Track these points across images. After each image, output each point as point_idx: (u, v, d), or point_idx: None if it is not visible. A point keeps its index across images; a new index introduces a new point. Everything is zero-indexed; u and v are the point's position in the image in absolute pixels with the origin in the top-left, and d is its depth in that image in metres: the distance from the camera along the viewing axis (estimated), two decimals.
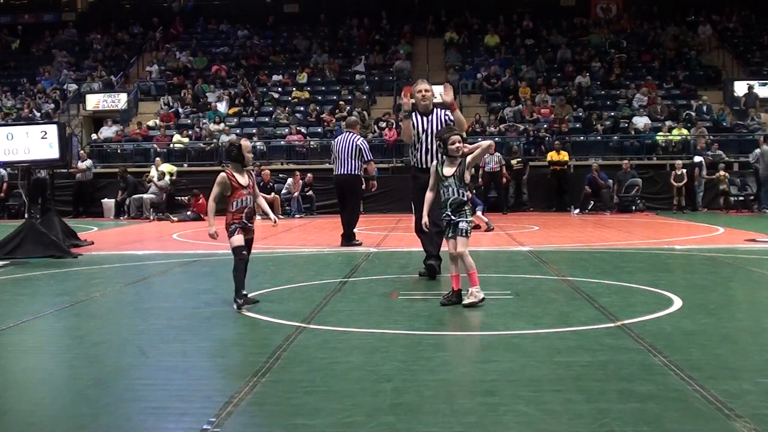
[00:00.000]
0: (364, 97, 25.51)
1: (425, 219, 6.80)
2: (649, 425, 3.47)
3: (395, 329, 5.57)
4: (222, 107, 25.48)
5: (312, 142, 23.50)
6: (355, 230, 12.11)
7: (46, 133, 11.41)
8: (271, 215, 6.87)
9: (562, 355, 4.75)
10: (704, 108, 23.97)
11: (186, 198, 20.52)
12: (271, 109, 25.48)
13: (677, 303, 6.44)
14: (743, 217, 18.12)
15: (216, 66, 28.07)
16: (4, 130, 11.78)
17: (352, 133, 11.87)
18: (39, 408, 3.95)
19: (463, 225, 6.40)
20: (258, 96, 26.25)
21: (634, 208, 20.16)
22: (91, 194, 21.71)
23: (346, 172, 11.72)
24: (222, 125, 23.79)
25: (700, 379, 4.10)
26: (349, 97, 25.49)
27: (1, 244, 10.92)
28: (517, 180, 21.10)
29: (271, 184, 20.08)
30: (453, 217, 6.43)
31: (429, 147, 8.16)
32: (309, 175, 20.84)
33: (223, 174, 6.47)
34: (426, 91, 8.24)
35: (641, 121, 23.20)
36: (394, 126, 22.60)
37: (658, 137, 22.65)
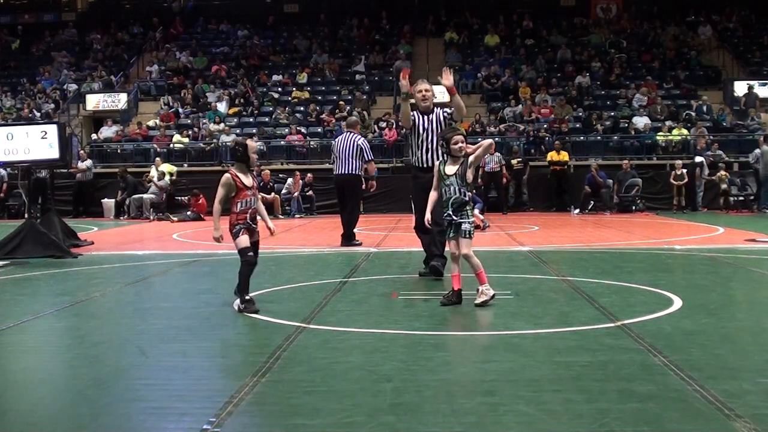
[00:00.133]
0: (364, 97, 25.52)
1: (428, 217, 6.80)
2: (649, 425, 3.47)
3: (395, 329, 5.57)
4: (222, 107, 25.48)
5: (312, 142, 23.50)
6: (355, 230, 12.12)
7: (46, 133, 11.40)
8: (269, 224, 6.62)
9: (562, 355, 4.75)
10: (704, 108, 23.97)
11: (186, 198, 20.52)
12: (271, 109, 25.48)
13: (677, 303, 6.44)
14: (743, 217, 18.12)
15: (216, 66, 28.07)
16: (4, 130, 11.78)
17: (352, 133, 11.88)
18: (39, 408, 3.95)
19: (465, 226, 6.41)
20: (258, 96, 26.25)
21: (634, 208, 20.15)
22: (91, 194, 21.71)
23: (346, 172, 11.72)
24: (222, 125, 23.80)
25: (700, 379, 4.10)
26: (349, 97, 25.49)
27: (1, 244, 10.92)
28: (517, 180, 21.11)
29: (271, 184, 20.08)
30: (454, 217, 6.44)
31: (429, 146, 8.17)
32: (309, 175, 20.84)
33: (227, 175, 6.40)
34: (426, 90, 8.24)
35: (641, 121, 23.20)
36: (394, 126, 22.61)
37: (658, 137, 22.65)
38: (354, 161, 11.67)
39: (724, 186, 19.91)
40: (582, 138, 22.94)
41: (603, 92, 25.84)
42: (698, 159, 20.31)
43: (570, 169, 21.36)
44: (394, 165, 22.27)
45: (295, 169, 21.27)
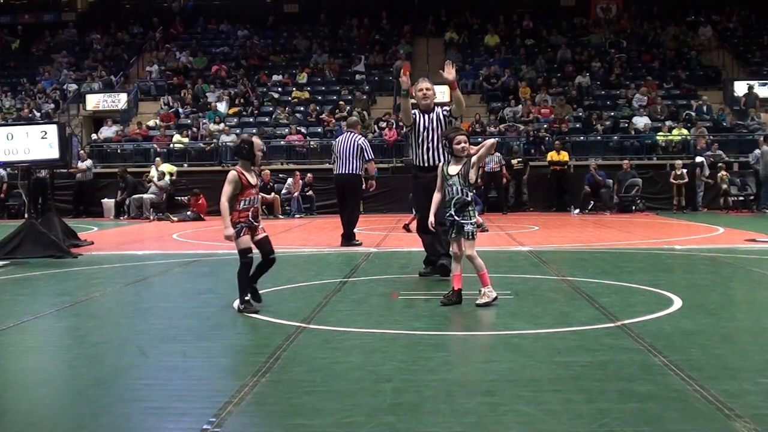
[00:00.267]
0: (364, 97, 25.51)
1: (431, 219, 6.81)
2: (649, 425, 3.47)
3: (395, 329, 5.57)
4: (222, 107, 25.48)
5: (312, 142, 23.49)
6: (355, 230, 12.12)
7: (46, 133, 11.40)
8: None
9: (562, 355, 4.75)
10: (704, 108, 23.96)
11: (186, 198, 20.52)
12: (271, 109, 25.48)
13: (677, 303, 6.44)
14: (743, 217, 18.12)
15: (216, 66, 28.07)
16: (4, 130, 11.78)
17: (353, 133, 11.89)
18: (39, 408, 3.95)
19: (468, 228, 6.42)
20: (258, 96, 26.25)
21: (634, 208, 20.15)
22: (91, 194, 21.70)
23: (346, 172, 11.72)
24: (222, 125, 23.80)
25: (700, 379, 4.10)
26: (349, 97, 25.48)
27: (1, 244, 10.92)
28: (517, 180, 21.10)
29: (271, 184, 20.07)
30: (456, 218, 6.44)
31: (430, 145, 8.16)
32: (309, 175, 20.84)
33: (233, 172, 6.38)
34: (427, 89, 8.20)
35: (641, 121, 23.20)
36: (394, 126, 22.60)
37: (658, 137, 22.64)
38: (354, 161, 11.67)
39: (724, 186, 19.91)
40: (582, 138, 22.94)
41: (603, 92, 25.84)
42: (698, 159, 20.30)
43: (570, 169, 21.36)
44: (394, 165, 22.27)
45: (295, 169, 21.27)
